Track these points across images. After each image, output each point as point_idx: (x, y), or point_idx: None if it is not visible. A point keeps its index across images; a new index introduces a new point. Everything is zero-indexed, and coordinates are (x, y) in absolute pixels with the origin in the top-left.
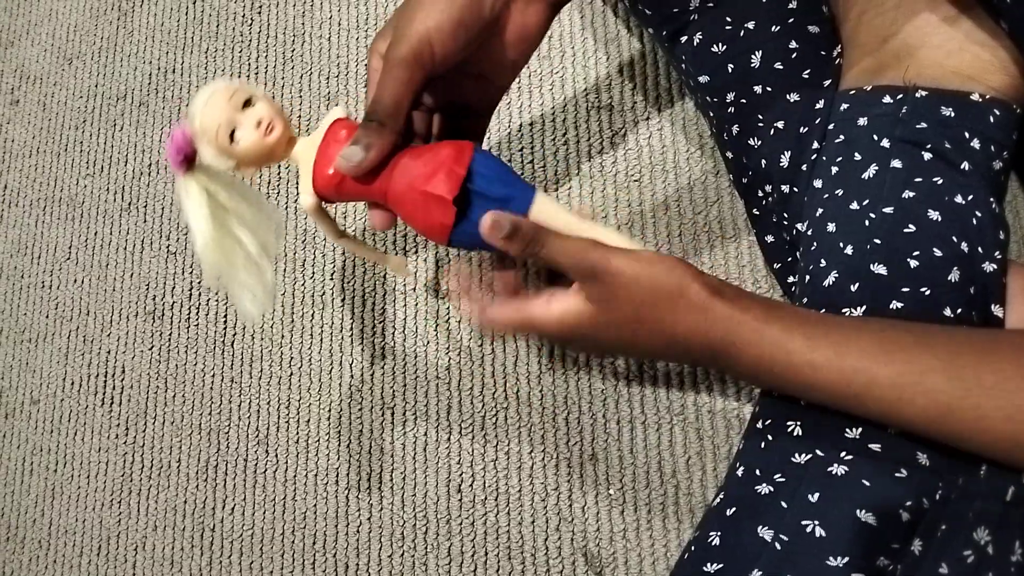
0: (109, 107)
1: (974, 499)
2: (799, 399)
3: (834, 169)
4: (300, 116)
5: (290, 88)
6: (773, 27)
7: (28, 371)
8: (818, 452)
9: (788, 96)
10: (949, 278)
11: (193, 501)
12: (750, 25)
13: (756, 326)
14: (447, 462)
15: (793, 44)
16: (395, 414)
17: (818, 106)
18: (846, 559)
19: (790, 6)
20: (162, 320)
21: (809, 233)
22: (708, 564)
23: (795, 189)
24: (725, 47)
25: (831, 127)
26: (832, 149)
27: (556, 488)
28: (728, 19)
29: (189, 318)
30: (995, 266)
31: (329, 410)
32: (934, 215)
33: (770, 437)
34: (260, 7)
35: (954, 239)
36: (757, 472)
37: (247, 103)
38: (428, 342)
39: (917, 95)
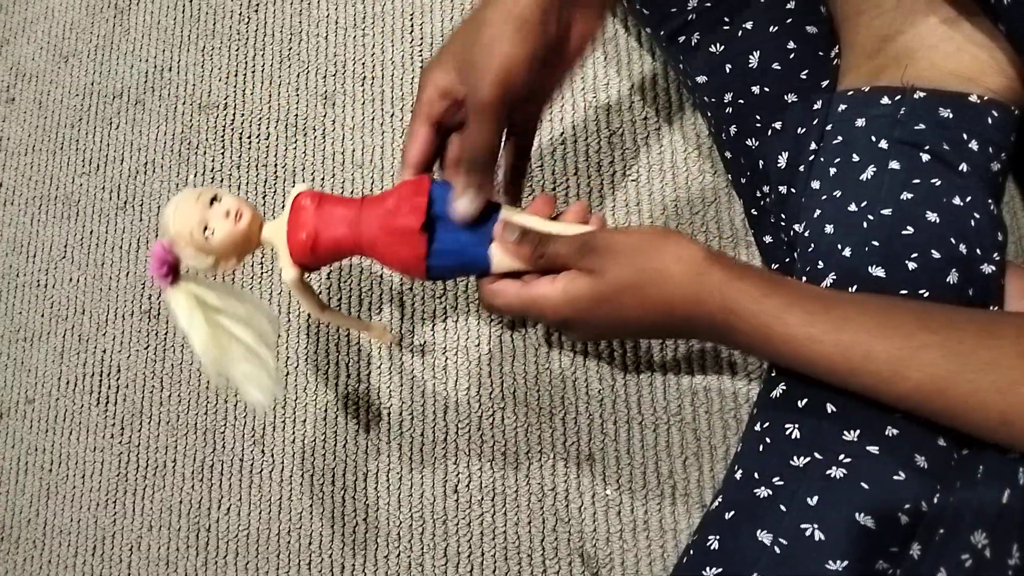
0: (105, 105)
1: (971, 502)
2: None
3: (832, 170)
4: (297, 115)
5: (287, 87)
6: (771, 27)
7: (23, 370)
8: (816, 455)
9: (786, 97)
10: (948, 280)
11: (189, 501)
12: (748, 25)
13: (755, 295)
14: (443, 462)
15: (791, 44)
16: (391, 414)
17: (816, 107)
18: (845, 562)
19: (788, 6)
20: (158, 319)
21: (807, 234)
22: (707, 568)
23: (793, 190)
24: (723, 47)
25: (829, 128)
26: (830, 150)
27: (553, 488)
28: (726, 19)
29: None
30: (993, 268)
31: (325, 410)
32: (932, 217)
33: (768, 440)
34: (257, 5)
35: (952, 241)
36: (755, 475)
37: (213, 200)
38: (424, 342)
39: (915, 96)
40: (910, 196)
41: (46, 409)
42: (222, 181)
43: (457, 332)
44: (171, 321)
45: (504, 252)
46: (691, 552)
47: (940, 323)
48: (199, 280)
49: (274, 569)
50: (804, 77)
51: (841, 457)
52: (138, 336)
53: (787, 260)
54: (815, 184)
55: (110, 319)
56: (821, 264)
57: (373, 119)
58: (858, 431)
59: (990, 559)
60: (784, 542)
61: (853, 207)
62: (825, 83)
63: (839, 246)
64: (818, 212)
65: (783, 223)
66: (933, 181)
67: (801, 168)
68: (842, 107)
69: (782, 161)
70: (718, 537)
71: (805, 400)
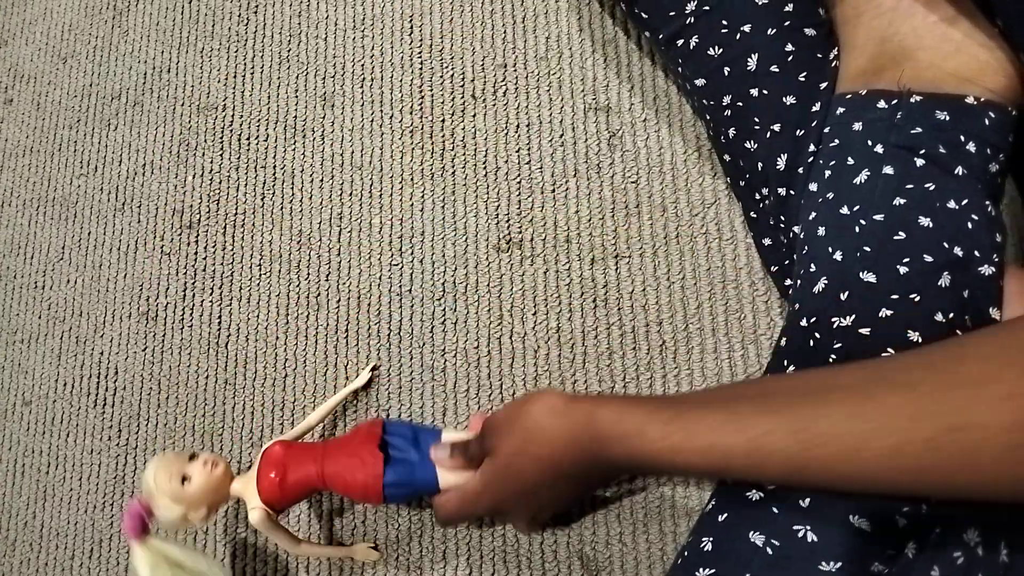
0: (103, 106)
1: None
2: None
3: (827, 173)
4: (296, 116)
5: (286, 88)
6: (769, 30)
7: (20, 372)
8: None
9: (784, 99)
10: (939, 283)
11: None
12: (746, 28)
13: (614, 419)
14: None
15: (789, 47)
16: (389, 416)
17: (815, 109)
18: (839, 564)
19: (786, 9)
20: (155, 321)
21: (802, 236)
22: (701, 569)
23: (791, 192)
24: (721, 50)
25: (827, 131)
26: (827, 153)
27: None
28: (724, 23)
29: (183, 319)
30: (992, 269)
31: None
32: (925, 222)
33: None
34: (256, 6)
35: (945, 244)
36: None
37: (192, 457)
38: (423, 344)
39: (912, 100)
40: (903, 201)
41: (43, 411)
42: (221, 183)
43: (456, 333)
44: (168, 323)
45: (446, 471)
46: (685, 554)
47: (779, 403)
48: (163, 538)
49: (271, 572)
50: (803, 79)
51: None
52: (136, 338)
53: (786, 262)
54: (812, 186)
55: (108, 321)
56: (814, 267)
57: (372, 121)
58: None
59: (982, 556)
60: (776, 543)
61: (845, 210)
62: (824, 85)
63: (830, 249)
64: (813, 214)
65: (782, 225)
66: (927, 186)
67: (800, 170)
68: (840, 110)
69: (781, 163)
70: (711, 539)
71: None
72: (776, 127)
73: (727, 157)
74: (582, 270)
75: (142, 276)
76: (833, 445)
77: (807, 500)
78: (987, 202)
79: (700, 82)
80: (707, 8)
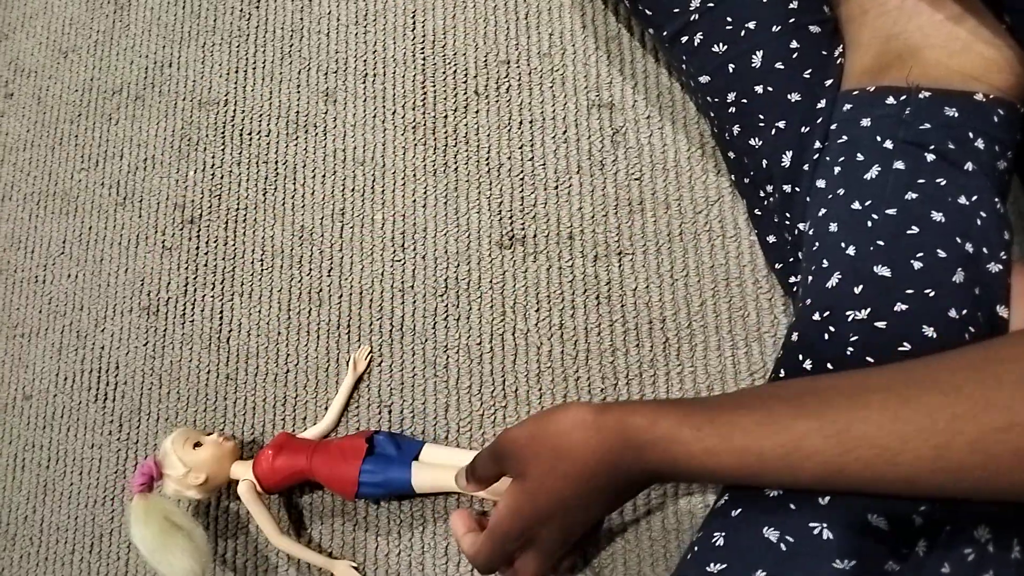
0: (105, 101)
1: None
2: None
3: (836, 169)
4: (298, 112)
5: (288, 83)
6: (774, 27)
7: (20, 366)
8: None
9: (789, 96)
10: (954, 279)
11: (180, 502)
12: (751, 25)
13: (646, 425)
14: None
15: (794, 44)
16: (392, 412)
17: (820, 106)
18: (853, 562)
19: (791, 6)
20: (157, 316)
21: (811, 233)
22: (712, 564)
23: (797, 189)
24: (726, 47)
25: (834, 127)
26: (835, 149)
27: None
28: (729, 19)
29: (184, 314)
30: (1000, 266)
31: (326, 408)
32: (937, 216)
33: None
34: (258, 1)
35: (958, 240)
36: None
37: (210, 434)
38: (426, 340)
39: (920, 96)
40: (915, 196)
41: (43, 405)
42: (222, 178)
43: (459, 330)
44: (169, 317)
45: (420, 472)
46: (695, 549)
47: (815, 405)
48: (161, 497)
49: (272, 567)
50: (808, 76)
51: None
52: (137, 333)
53: (791, 260)
54: (820, 183)
55: (108, 315)
56: (826, 263)
57: (375, 116)
58: None
59: (992, 553)
60: (791, 539)
61: (857, 206)
62: (829, 82)
63: (843, 245)
64: (823, 211)
65: (787, 222)
66: (938, 181)
67: (805, 167)
68: (847, 106)
69: (786, 160)
70: (724, 534)
71: None
72: (781, 124)
73: (731, 154)
74: (585, 267)
75: (143, 271)
76: (873, 448)
77: (826, 498)
78: (996, 199)
79: (704, 79)
80: (711, 5)
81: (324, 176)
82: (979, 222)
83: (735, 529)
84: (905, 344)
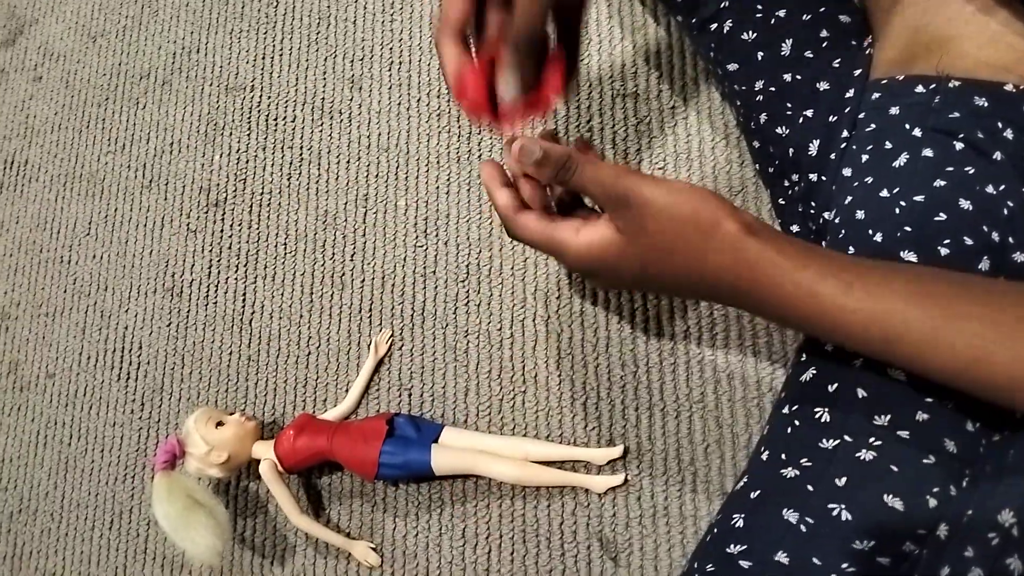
0: (132, 85)
1: (1000, 483)
2: (823, 385)
3: (864, 157)
4: (323, 98)
5: (314, 70)
6: (804, 15)
7: (44, 344)
8: (846, 438)
9: (818, 85)
10: (979, 267)
11: (206, 478)
12: (781, 13)
13: (789, 267)
14: None
15: (824, 33)
16: (412, 396)
17: (848, 95)
18: (872, 543)
19: None
20: (180, 297)
21: (837, 221)
22: (731, 546)
23: (823, 178)
24: (755, 34)
25: (862, 116)
26: (863, 138)
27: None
28: (759, 7)
29: (208, 296)
30: None
31: (347, 390)
32: (965, 204)
33: (797, 423)
34: None
35: (984, 228)
36: (783, 456)
37: (232, 413)
38: (447, 325)
39: (950, 85)
40: (943, 183)
41: (67, 383)
42: (248, 162)
43: (479, 315)
44: (192, 299)
45: (439, 454)
46: (715, 531)
47: (978, 292)
48: (183, 475)
49: (291, 547)
50: (837, 65)
51: (871, 440)
52: (160, 314)
53: None
54: (846, 171)
55: (132, 296)
56: (852, 250)
57: (400, 104)
58: (888, 416)
59: (1016, 537)
60: (811, 521)
61: (885, 193)
62: (858, 72)
63: (870, 231)
64: (849, 199)
65: (812, 212)
66: (967, 169)
67: (832, 156)
68: (876, 95)
69: (813, 149)
70: (743, 516)
71: (836, 385)
72: (809, 113)
73: (757, 143)
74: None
75: (168, 253)
76: None
77: (843, 479)
78: (1023, 189)
79: (732, 67)
80: None
81: (348, 162)
82: (1006, 212)
83: (754, 511)
84: None
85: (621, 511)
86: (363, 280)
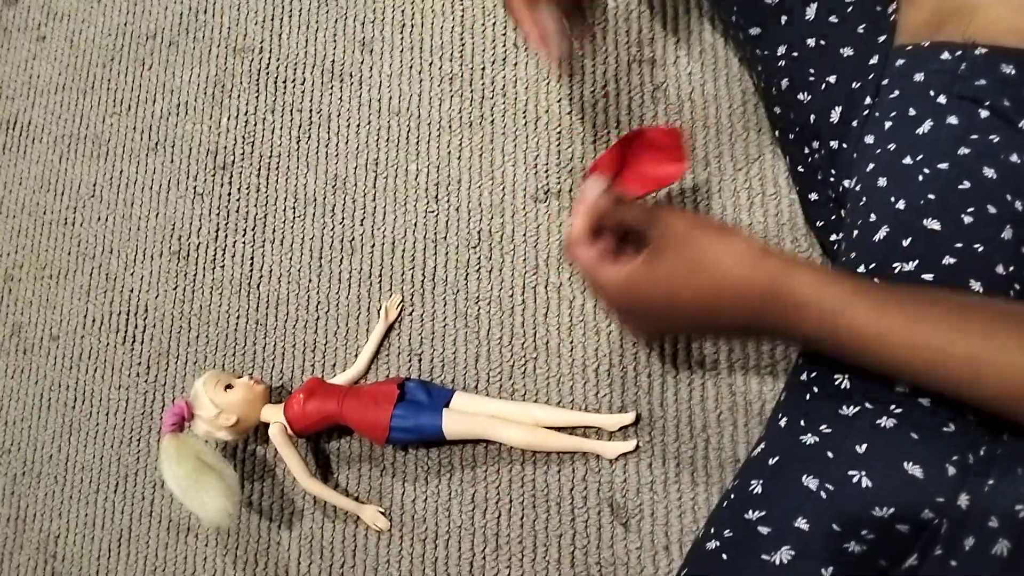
0: (138, 46)
1: (1022, 453)
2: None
3: (887, 124)
4: (333, 61)
5: (324, 32)
6: None
7: (48, 307)
8: (867, 405)
9: (842, 50)
10: (1003, 236)
11: (214, 441)
12: None
13: (815, 283)
14: None
15: None
16: (422, 361)
17: (872, 61)
18: (892, 509)
19: None
20: (187, 260)
21: (858, 189)
22: (750, 511)
23: (844, 145)
24: None
25: (885, 83)
26: (886, 104)
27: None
28: None
29: (215, 259)
30: None
31: (355, 355)
32: (989, 173)
33: (816, 390)
34: None
35: (1008, 197)
36: (802, 423)
37: (240, 376)
38: (458, 291)
39: (977, 52)
40: (967, 151)
41: (70, 346)
42: (256, 125)
43: (491, 282)
44: (199, 262)
45: (450, 419)
46: (732, 497)
47: (1018, 322)
48: (191, 437)
49: (299, 510)
50: (861, 31)
51: (892, 407)
52: (167, 277)
53: (832, 218)
54: (868, 139)
55: (138, 259)
56: (874, 217)
57: (411, 67)
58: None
59: None
60: (831, 487)
61: (908, 160)
62: (882, 38)
63: (892, 199)
64: (871, 166)
65: (831, 179)
66: (991, 137)
67: (854, 123)
68: (900, 62)
69: (835, 116)
70: (761, 482)
71: None
72: (832, 79)
73: (777, 109)
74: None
75: (174, 216)
76: None
77: (863, 446)
78: None
79: (755, 31)
80: None
81: (359, 126)
82: None
83: (773, 477)
84: None
85: (632, 477)
86: (373, 245)
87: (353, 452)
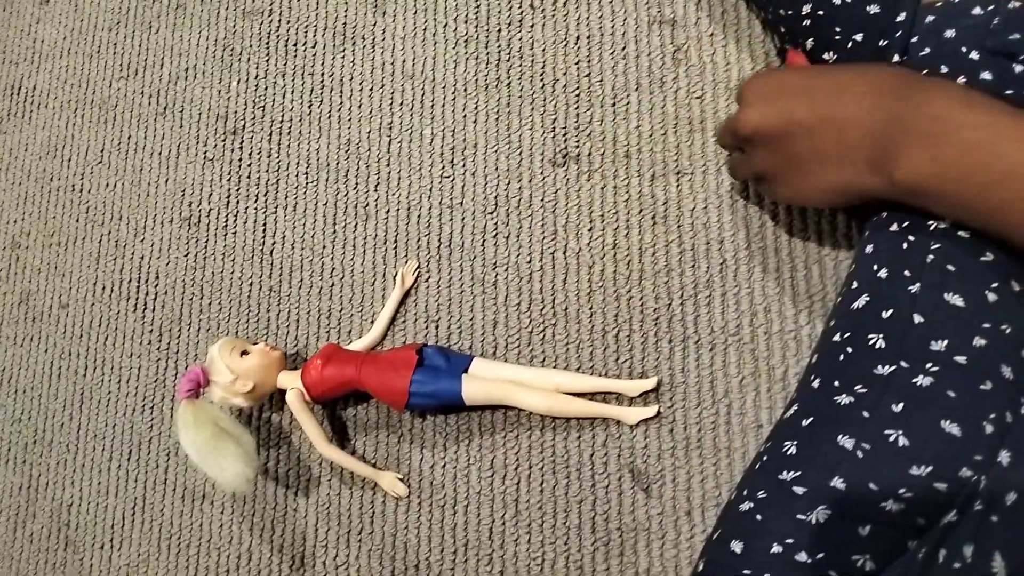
0: (144, 9)
1: None
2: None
3: None
4: (345, 23)
5: None
6: None
7: (57, 275)
8: (903, 364)
9: (868, 8)
10: None
11: (228, 409)
12: None
13: (961, 89)
14: None
15: None
16: (439, 328)
17: (899, 18)
18: (929, 468)
19: None
20: (198, 227)
21: None
22: (784, 472)
23: None
24: None
25: (915, 40)
26: (916, 62)
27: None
28: None
29: (227, 225)
30: None
31: (371, 322)
32: None
33: (850, 350)
34: None
35: None
36: (836, 383)
37: (256, 343)
38: (474, 256)
39: (1010, 5)
40: None
41: (80, 314)
42: (266, 89)
43: (508, 247)
44: (211, 228)
45: (470, 384)
46: (764, 459)
47: None
48: (207, 404)
49: (315, 478)
50: None
51: (928, 366)
52: (177, 243)
53: None
54: None
55: (148, 225)
56: None
57: (425, 29)
58: (946, 341)
59: None
60: (867, 447)
61: None
62: None
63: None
64: None
65: None
66: None
67: None
68: (929, 18)
69: None
70: (795, 443)
71: (891, 311)
72: (858, 37)
73: None
74: (641, 186)
75: (184, 182)
76: None
77: (899, 405)
78: None
79: None
80: None
81: (372, 89)
82: None
83: (808, 438)
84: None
85: (653, 443)
86: (387, 211)
87: (370, 419)
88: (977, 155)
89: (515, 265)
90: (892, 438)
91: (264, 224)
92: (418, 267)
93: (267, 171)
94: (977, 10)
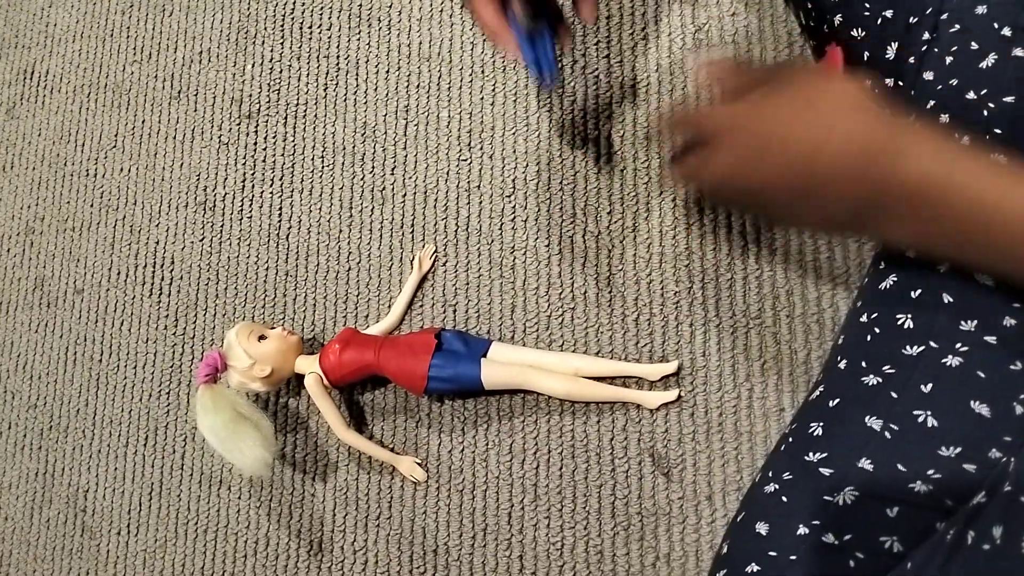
0: None
1: None
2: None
3: (948, 60)
4: (360, 5)
5: None
6: None
7: (71, 260)
8: (932, 344)
9: None
10: None
11: (244, 394)
12: None
13: (936, 140)
14: None
15: None
16: (457, 312)
17: None
18: (958, 449)
19: None
20: (213, 211)
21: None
22: (811, 453)
23: (900, 83)
24: None
25: (944, 17)
26: (946, 39)
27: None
28: None
29: (242, 210)
30: None
31: (389, 306)
32: None
33: (877, 331)
34: None
35: None
36: (863, 364)
37: (273, 328)
38: (492, 240)
39: None
40: None
41: (95, 300)
42: (281, 72)
43: (526, 231)
44: (226, 213)
45: (489, 368)
46: (790, 440)
47: None
48: (224, 389)
49: (332, 463)
50: None
51: (958, 346)
52: (192, 228)
53: None
54: (928, 75)
55: (163, 210)
56: None
57: (442, 11)
58: (975, 321)
59: None
60: (895, 427)
61: (972, 95)
62: None
63: (956, 135)
64: (931, 103)
65: None
66: None
67: (911, 60)
68: None
69: (891, 52)
70: (822, 424)
71: (920, 291)
72: (888, 14)
73: (827, 49)
74: (662, 168)
75: (199, 166)
76: None
77: (928, 385)
78: None
79: None
80: None
81: (388, 72)
82: None
83: (834, 419)
84: None
85: (674, 427)
86: (404, 194)
87: (388, 404)
88: (964, 224)
89: (533, 248)
90: (921, 419)
91: (280, 208)
92: (435, 251)
93: (283, 155)
94: None
